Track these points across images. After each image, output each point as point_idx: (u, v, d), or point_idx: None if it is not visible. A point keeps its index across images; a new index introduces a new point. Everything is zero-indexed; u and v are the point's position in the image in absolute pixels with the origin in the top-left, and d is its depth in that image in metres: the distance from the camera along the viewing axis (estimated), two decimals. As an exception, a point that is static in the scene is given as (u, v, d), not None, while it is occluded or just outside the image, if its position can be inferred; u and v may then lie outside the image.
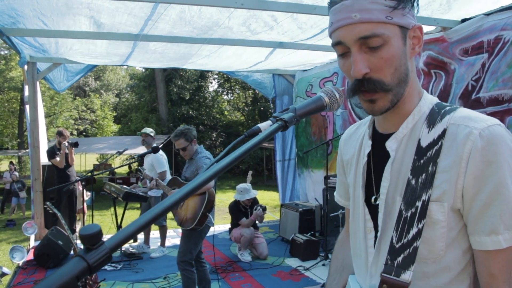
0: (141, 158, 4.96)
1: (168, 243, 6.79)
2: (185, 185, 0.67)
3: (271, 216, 10.67)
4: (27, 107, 6.75)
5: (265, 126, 0.89)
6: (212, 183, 4.26)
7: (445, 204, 0.99)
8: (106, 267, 5.38)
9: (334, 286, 1.37)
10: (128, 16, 4.46)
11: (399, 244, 1.01)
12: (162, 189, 4.60)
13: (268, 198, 15.06)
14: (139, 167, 5.64)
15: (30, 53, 6.28)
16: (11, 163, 18.37)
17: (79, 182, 6.79)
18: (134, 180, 16.77)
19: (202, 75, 26.17)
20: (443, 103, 1.11)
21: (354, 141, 1.31)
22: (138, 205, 7.45)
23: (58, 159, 7.00)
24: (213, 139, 25.79)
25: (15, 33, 5.05)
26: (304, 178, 8.32)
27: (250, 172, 7.54)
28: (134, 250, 6.33)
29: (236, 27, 4.96)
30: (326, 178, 6.27)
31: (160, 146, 5.50)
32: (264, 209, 6.14)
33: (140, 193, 5.78)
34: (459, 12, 4.50)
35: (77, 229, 7.43)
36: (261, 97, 25.86)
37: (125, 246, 5.78)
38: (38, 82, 6.85)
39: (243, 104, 30.06)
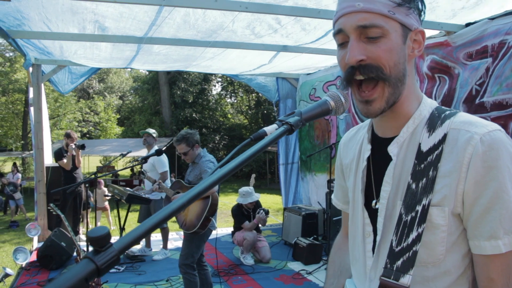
0: (145, 160, 4.97)
1: (170, 245, 6.80)
2: (191, 188, 0.68)
3: (274, 219, 10.66)
4: (32, 109, 6.78)
5: (271, 129, 0.89)
6: (216, 187, 4.26)
7: (445, 208, 0.99)
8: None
9: None
10: (132, 21, 4.48)
11: (399, 248, 1.02)
12: (165, 192, 4.60)
13: (271, 201, 15.05)
14: (142, 169, 5.64)
15: (35, 56, 6.32)
16: (14, 164, 18.44)
17: (84, 184, 6.80)
18: (137, 182, 16.80)
19: (206, 78, 26.22)
20: (443, 107, 1.12)
21: (353, 145, 1.31)
22: (139, 207, 7.44)
23: (65, 161, 7.02)
24: (216, 142, 25.80)
25: (21, 35, 5.07)
26: (307, 182, 8.31)
27: (253, 175, 7.57)
28: (136, 253, 6.34)
29: (240, 30, 4.97)
30: (329, 182, 6.26)
31: (163, 149, 5.52)
32: (266, 212, 6.14)
33: (143, 195, 5.79)
34: (464, 17, 4.50)
35: (81, 231, 7.45)
36: (265, 100, 25.86)
37: (128, 248, 5.79)
38: (42, 84, 6.89)
39: (247, 107, 30.09)
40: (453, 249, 1.02)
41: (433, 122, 1.07)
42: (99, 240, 0.56)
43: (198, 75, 25.45)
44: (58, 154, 7.10)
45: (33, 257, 5.93)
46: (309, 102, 8.05)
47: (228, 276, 5.36)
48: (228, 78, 26.47)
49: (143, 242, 6.76)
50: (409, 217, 1.02)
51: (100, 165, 26.58)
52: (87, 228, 6.19)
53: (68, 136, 7.22)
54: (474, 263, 1.02)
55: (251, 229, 6.05)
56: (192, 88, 25.37)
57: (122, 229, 5.89)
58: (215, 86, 29.49)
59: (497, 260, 0.97)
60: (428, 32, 4.90)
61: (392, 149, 1.10)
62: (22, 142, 27.14)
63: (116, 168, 21.72)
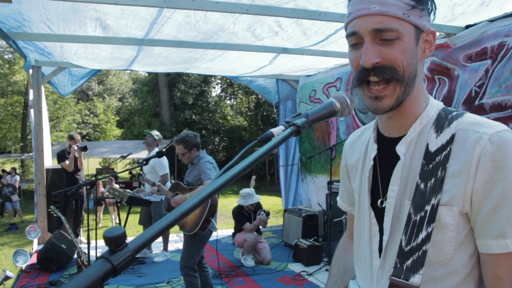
0: (146, 162, 4.97)
1: (171, 247, 6.80)
2: (195, 189, 0.68)
3: (274, 221, 10.65)
4: (32, 111, 6.78)
5: (278, 131, 0.90)
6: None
7: (454, 208, 1.00)
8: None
9: None
10: (134, 18, 4.47)
11: (408, 247, 1.02)
12: (165, 194, 4.60)
13: (271, 203, 15.04)
14: (140, 172, 5.63)
15: (35, 57, 6.32)
16: (12, 169, 18.41)
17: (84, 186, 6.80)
18: (136, 185, 16.77)
19: (205, 80, 26.22)
20: (449, 108, 1.13)
21: (359, 146, 1.31)
22: (139, 209, 7.46)
23: (67, 162, 7.02)
24: (216, 143, 25.78)
25: (22, 37, 5.08)
26: (307, 183, 8.32)
27: (254, 177, 7.59)
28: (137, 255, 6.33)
29: (241, 32, 4.98)
30: (330, 183, 6.27)
31: (163, 150, 5.52)
32: (267, 214, 6.14)
33: (144, 197, 5.79)
34: (463, 20, 4.52)
35: (81, 233, 7.45)
36: (264, 102, 25.88)
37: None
38: (42, 86, 6.89)
39: (246, 109, 30.10)
40: (460, 248, 1.03)
41: (441, 123, 1.08)
42: (115, 240, 0.57)
43: (198, 77, 25.45)
44: (61, 156, 7.10)
45: (33, 259, 5.92)
46: (309, 104, 8.06)
47: (229, 278, 5.36)
48: (228, 80, 26.52)
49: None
50: (418, 217, 1.03)
51: (100, 167, 26.58)
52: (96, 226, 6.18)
53: (71, 138, 7.22)
54: (482, 262, 1.03)
55: (252, 230, 6.05)
56: (192, 90, 25.37)
57: (124, 229, 5.89)
58: (214, 88, 29.52)
59: (505, 259, 0.98)
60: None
61: (400, 149, 1.10)
62: (21, 144, 27.13)
63: (115, 170, 21.71)
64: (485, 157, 0.97)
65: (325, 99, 5.43)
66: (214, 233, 4.29)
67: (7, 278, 4.84)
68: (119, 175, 17.25)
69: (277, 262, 6.02)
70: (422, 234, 1.01)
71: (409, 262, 1.01)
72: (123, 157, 5.94)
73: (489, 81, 4.30)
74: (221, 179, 0.72)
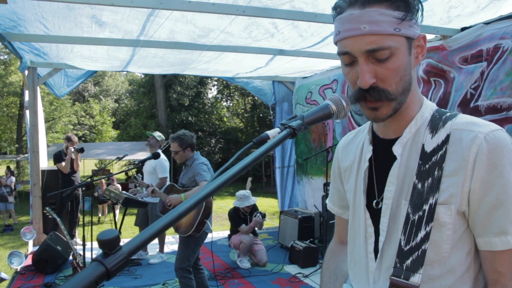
0: (142, 164, 4.95)
1: (167, 249, 6.78)
2: (198, 191, 0.68)
3: (270, 223, 10.66)
4: (27, 112, 6.75)
5: (274, 133, 0.90)
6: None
7: (452, 207, 1.02)
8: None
9: None
10: (130, 11, 4.41)
11: (408, 247, 1.03)
12: (159, 197, 4.58)
13: (267, 204, 15.04)
14: (135, 175, 5.61)
15: (30, 58, 6.30)
16: (8, 168, 18.33)
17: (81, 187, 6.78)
18: (132, 186, 16.74)
19: (202, 81, 26.20)
20: (442, 109, 1.14)
21: (353, 148, 1.32)
22: (135, 211, 7.47)
23: (63, 164, 6.99)
24: (212, 145, 25.75)
25: (17, 38, 5.06)
26: (303, 185, 8.32)
27: (250, 179, 7.54)
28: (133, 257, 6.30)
29: (237, 33, 4.97)
30: (326, 185, 6.27)
31: (159, 151, 5.51)
32: (263, 216, 6.14)
33: (140, 199, 5.78)
34: (459, 22, 4.54)
35: (76, 234, 7.42)
36: (260, 103, 25.89)
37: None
38: (38, 87, 6.86)
39: (242, 110, 30.10)
40: (457, 247, 1.04)
41: (435, 124, 1.09)
42: (109, 243, 0.56)
43: (194, 79, 25.42)
44: (57, 157, 7.08)
45: (28, 261, 5.89)
46: (305, 106, 8.07)
47: (224, 280, 5.35)
48: (224, 82, 26.51)
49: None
50: (416, 216, 1.04)
51: (96, 168, 26.49)
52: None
53: (68, 139, 7.20)
54: (482, 259, 1.05)
55: (248, 232, 6.04)
56: (188, 92, 25.34)
57: (118, 232, 5.87)
58: (211, 89, 29.52)
59: (506, 254, 1.00)
60: (424, 36, 4.93)
61: (396, 149, 1.11)
62: (17, 145, 27.04)
63: (111, 171, 21.65)
64: (481, 155, 0.98)
65: (321, 101, 5.43)
66: (209, 235, 4.28)
67: (1, 280, 4.81)
68: (115, 176, 17.23)
69: (273, 264, 6.02)
70: (421, 234, 1.02)
71: (408, 261, 1.02)
72: (119, 159, 5.92)
73: (484, 83, 4.32)
74: (217, 181, 0.72)
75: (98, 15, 4.47)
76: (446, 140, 1.04)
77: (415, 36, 1.05)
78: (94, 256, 4.49)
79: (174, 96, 24.77)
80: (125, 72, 31.28)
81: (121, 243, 0.59)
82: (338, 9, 1.06)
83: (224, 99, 30.95)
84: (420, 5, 1.07)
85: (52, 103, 26.40)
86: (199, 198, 0.67)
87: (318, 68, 7.26)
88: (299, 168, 8.49)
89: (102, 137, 30.47)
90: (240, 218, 6.20)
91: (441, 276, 1.05)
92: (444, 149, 1.04)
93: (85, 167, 24.68)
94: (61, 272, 5.70)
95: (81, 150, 7.06)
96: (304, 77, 8.12)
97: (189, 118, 24.88)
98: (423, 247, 1.01)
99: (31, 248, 6.58)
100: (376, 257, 1.15)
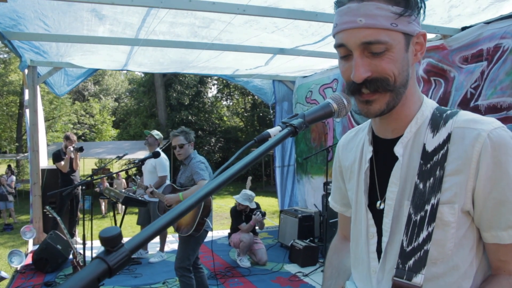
0: (141, 163, 4.95)
1: (167, 248, 6.78)
2: (199, 189, 0.68)
3: (270, 222, 10.66)
4: (27, 111, 6.75)
5: (275, 132, 0.90)
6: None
7: (455, 206, 1.02)
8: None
9: None
10: (131, 2, 4.38)
11: (410, 247, 1.03)
12: (158, 197, 4.58)
13: (266, 204, 15.04)
14: (134, 177, 5.60)
15: (30, 57, 6.29)
16: (8, 167, 18.32)
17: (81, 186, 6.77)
18: (131, 185, 16.75)
19: (202, 80, 26.19)
20: (442, 107, 1.14)
21: (353, 147, 1.31)
22: (137, 210, 7.49)
23: (62, 163, 6.98)
24: (212, 144, 25.75)
25: (17, 36, 5.06)
26: (303, 184, 8.32)
27: (250, 178, 7.55)
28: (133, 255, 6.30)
29: (238, 23, 4.89)
30: (326, 184, 6.27)
31: (159, 150, 5.51)
32: (263, 214, 6.14)
33: (140, 198, 5.77)
34: (460, 22, 4.54)
35: (76, 233, 7.42)
36: (260, 103, 25.89)
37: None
38: (38, 86, 6.85)
39: (242, 109, 30.09)
40: (460, 243, 1.05)
41: (436, 122, 1.09)
42: (111, 240, 0.56)
43: (194, 78, 25.41)
44: (57, 156, 7.07)
45: (28, 260, 5.89)
46: (305, 105, 8.07)
47: (224, 279, 5.36)
48: (224, 81, 26.49)
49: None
50: (418, 217, 1.04)
51: (96, 167, 26.48)
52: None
53: (67, 138, 7.19)
54: (488, 251, 1.07)
55: (248, 230, 6.05)
56: (188, 91, 25.33)
57: (120, 229, 5.86)
58: (211, 88, 29.51)
59: (511, 246, 1.02)
60: (425, 36, 4.93)
61: (398, 150, 1.11)
62: (17, 144, 27.03)
63: (111, 170, 21.64)
64: (485, 153, 0.99)
65: (321, 100, 5.43)
66: (209, 234, 4.28)
67: (2, 278, 4.81)
68: (115, 175, 17.25)
69: (273, 263, 6.02)
70: (423, 234, 1.02)
71: (411, 262, 1.02)
72: (119, 158, 5.91)
73: (484, 82, 4.32)
74: (218, 180, 0.72)
75: (98, 8, 4.44)
76: (447, 139, 1.04)
77: (414, 33, 1.04)
78: (94, 255, 4.50)
79: (174, 95, 24.77)
80: (125, 71, 31.25)
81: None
82: (339, 3, 1.05)
83: (224, 98, 30.95)
84: (422, 3, 1.06)
85: (52, 102, 26.38)
86: (200, 196, 0.67)
87: (318, 67, 7.25)
88: (299, 167, 8.49)
89: (102, 136, 30.44)
90: (241, 216, 6.20)
91: (445, 274, 1.05)
92: (445, 148, 1.04)
93: (85, 166, 24.68)
94: (61, 271, 5.70)
95: (80, 149, 7.05)
96: (304, 76, 8.12)
97: (189, 117, 24.88)
98: (425, 248, 1.02)
99: (31, 247, 6.59)
100: (379, 258, 1.14)
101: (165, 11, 4.47)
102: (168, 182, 6.10)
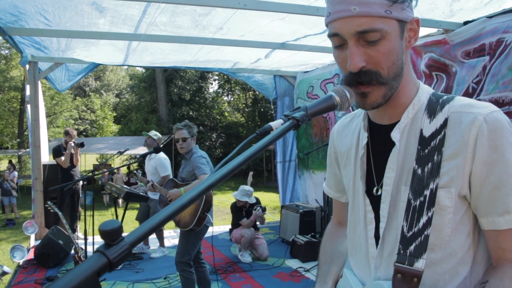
0: (142, 158, 4.95)
1: (168, 243, 6.79)
2: (199, 183, 0.68)
3: (272, 217, 10.67)
4: (28, 106, 6.75)
5: (277, 124, 0.89)
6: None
7: (452, 190, 1.01)
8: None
9: (325, 277, 1.36)
10: None
11: (410, 233, 1.03)
12: (159, 192, 4.58)
13: (268, 199, 15.05)
14: (135, 171, 5.61)
15: (31, 52, 6.28)
16: (10, 162, 18.35)
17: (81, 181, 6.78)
18: (134, 181, 16.77)
19: (203, 76, 26.18)
20: (439, 93, 1.13)
21: (349, 133, 1.30)
22: (138, 205, 7.51)
23: (63, 158, 6.98)
24: (213, 140, 25.78)
25: (18, 32, 5.05)
26: (305, 180, 8.32)
27: (251, 173, 7.54)
28: (134, 251, 6.32)
29: (237, 19, 4.88)
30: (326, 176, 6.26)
31: (160, 146, 5.50)
32: (263, 209, 6.14)
33: (141, 193, 5.77)
34: (462, 16, 4.52)
35: (78, 228, 7.44)
36: (261, 98, 25.87)
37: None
38: (39, 82, 6.85)
39: (243, 105, 30.09)
40: (457, 229, 1.04)
41: (432, 108, 1.08)
42: (111, 234, 0.56)
43: (195, 73, 25.41)
44: (57, 151, 7.07)
45: (30, 255, 5.91)
46: (306, 100, 8.05)
47: (226, 274, 5.36)
48: (225, 76, 26.45)
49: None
50: (418, 202, 1.03)
51: (97, 163, 26.54)
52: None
53: (66, 133, 7.19)
54: (486, 238, 1.06)
55: (249, 226, 6.05)
56: (189, 86, 25.33)
57: (120, 223, 5.87)
58: (212, 84, 29.50)
59: (510, 232, 1.01)
60: (426, 30, 4.91)
61: (395, 135, 1.10)
62: (18, 140, 27.07)
63: (113, 166, 21.67)
64: (481, 137, 0.98)
65: (322, 95, 5.40)
66: (210, 229, 4.28)
67: (4, 273, 4.83)
68: (116, 171, 17.30)
69: (274, 258, 6.03)
70: (423, 219, 1.02)
71: (412, 247, 1.02)
72: (120, 153, 5.93)
73: (486, 77, 4.30)
74: (218, 173, 0.71)
75: (98, 1, 4.43)
76: (444, 124, 1.04)
77: (407, 20, 1.03)
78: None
79: (175, 90, 24.77)
80: (126, 67, 31.25)
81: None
82: None
83: (225, 94, 30.95)
84: None
85: (53, 97, 26.42)
86: (200, 190, 0.66)
87: (320, 61, 7.23)
88: (301, 163, 8.49)
89: (103, 132, 30.51)
90: (242, 211, 6.20)
91: (442, 260, 1.05)
92: (442, 133, 1.03)
93: (87, 161, 24.75)
94: (63, 266, 5.72)
95: (81, 145, 7.05)
96: (306, 72, 8.10)
97: (190, 113, 24.89)
98: (425, 233, 1.01)
99: (33, 242, 6.60)
100: (377, 244, 1.14)
101: (165, 2, 4.43)
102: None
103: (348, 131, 1.31)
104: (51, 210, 4.92)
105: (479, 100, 4.25)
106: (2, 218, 13.25)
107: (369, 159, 1.19)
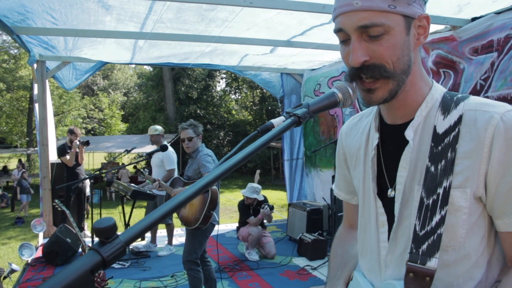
0: (149, 156, 4.96)
1: (175, 241, 6.81)
2: (198, 180, 0.67)
3: (279, 215, 10.66)
4: (36, 105, 6.78)
5: (278, 121, 0.88)
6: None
7: (467, 190, 0.99)
8: (113, 265, 5.41)
9: (335, 282, 1.35)
10: None
11: (423, 232, 1.01)
12: (165, 190, 4.60)
13: (275, 197, 15.04)
14: (142, 169, 5.62)
15: (39, 52, 6.31)
16: (19, 161, 18.49)
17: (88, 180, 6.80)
18: (142, 179, 16.83)
19: (210, 74, 26.21)
20: (452, 92, 1.11)
21: (358, 134, 1.28)
22: (145, 204, 7.53)
23: (68, 157, 7.00)
24: (220, 138, 25.80)
25: (25, 31, 5.08)
26: (312, 178, 8.30)
27: (258, 171, 7.53)
28: (141, 249, 6.35)
29: (244, 13, 4.85)
30: (335, 177, 6.24)
31: (167, 143, 5.51)
32: (271, 208, 6.13)
33: (148, 191, 5.79)
34: (470, 12, 4.47)
35: (86, 227, 7.48)
36: (269, 96, 25.84)
37: (133, 244, 5.79)
38: (47, 81, 6.89)
39: (251, 103, 30.08)
40: (472, 231, 1.02)
41: (447, 105, 1.05)
42: (105, 231, 0.55)
43: (202, 72, 25.44)
44: (61, 150, 7.08)
45: (39, 253, 5.95)
46: (313, 98, 8.01)
47: (233, 272, 5.37)
48: (233, 74, 26.46)
49: (148, 238, 6.77)
50: (430, 200, 1.01)
51: (105, 161, 26.65)
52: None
53: (71, 132, 7.20)
54: (502, 241, 1.04)
55: (256, 224, 6.05)
56: (197, 85, 25.38)
57: (127, 225, 5.90)
58: (219, 82, 29.52)
59: None
60: (434, 27, 4.86)
61: (408, 133, 1.07)
62: (27, 139, 27.29)
63: (120, 164, 21.77)
64: (498, 136, 0.96)
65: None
66: (216, 227, 4.28)
67: (13, 271, 4.87)
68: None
69: (281, 256, 6.02)
70: (436, 218, 1.00)
71: (424, 246, 1.00)
72: (128, 151, 5.94)
73: (494, 74, 4.25)
74: (219, 169, 0.71)
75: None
76: (458, 121, 1.01)
77: (415, 16, 1.01)
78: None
79: (183, 89, 24.82)
80: (133, 66, 31.34)
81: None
82: None
83: (232, 92, 30.94)
84: None
85: (61, 96, 26.59)
86: (199, 186, 0.66)
87: (327, 59, 7.19)
88: (308, 161, 8.47)
89: (111, 131, 30.64)
90: (249, 209, 6.21)
91: (456, 262, 1.03)
92: (457, 130, 1.01)
93: (94, 160, 24.88)
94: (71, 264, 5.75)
95: (86, 143, 7.07)
96: (313, 69, 8.07)
97: (198, 111, 24.94)
98: (438, 231, 0.99)
99: (41, 240, 6.65)
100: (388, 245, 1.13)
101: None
102: (176, 175, 6.12)
103: (356, 131, 1.29)
104: (59, 209, 4.94)
105: (487, 97, 4.23)
106: (11, 216, 13.36)
107: (379, 160, 1.17)
